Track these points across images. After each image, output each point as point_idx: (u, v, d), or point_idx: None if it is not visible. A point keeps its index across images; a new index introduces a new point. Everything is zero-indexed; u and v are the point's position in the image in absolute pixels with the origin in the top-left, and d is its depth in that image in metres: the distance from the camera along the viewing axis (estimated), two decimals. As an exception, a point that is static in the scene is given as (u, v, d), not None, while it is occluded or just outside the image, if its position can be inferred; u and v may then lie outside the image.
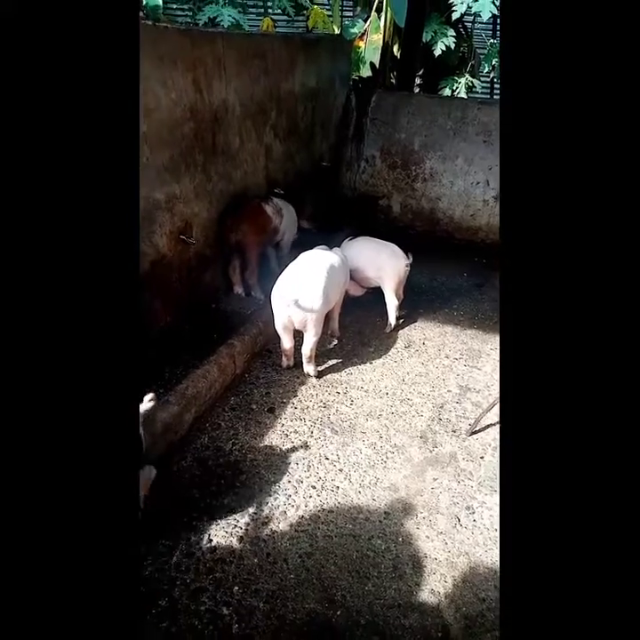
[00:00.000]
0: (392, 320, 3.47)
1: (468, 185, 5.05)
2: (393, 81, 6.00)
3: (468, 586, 1.86)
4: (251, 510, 2.08)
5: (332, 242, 3.49)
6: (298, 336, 2.89)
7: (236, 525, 2.02)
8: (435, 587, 1.85)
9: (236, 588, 1.79)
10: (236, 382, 2.84)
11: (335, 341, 3.26)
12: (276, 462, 2.33)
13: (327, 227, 4.29)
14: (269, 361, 3.06)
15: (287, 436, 2.50)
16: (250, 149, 3.42)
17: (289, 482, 2.24)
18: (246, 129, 3.31)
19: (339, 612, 1.74)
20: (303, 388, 2.87)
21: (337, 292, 2.91)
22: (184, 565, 1.85)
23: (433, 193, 5.20)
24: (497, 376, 3.07)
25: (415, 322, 3.59)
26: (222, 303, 3.36)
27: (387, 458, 2.42)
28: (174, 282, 2.85)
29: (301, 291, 2.62)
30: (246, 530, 2.00)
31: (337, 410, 2.71)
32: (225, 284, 3.43)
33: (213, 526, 2.00)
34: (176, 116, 2.57)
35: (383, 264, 3.36)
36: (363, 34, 5.89)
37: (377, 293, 3.64)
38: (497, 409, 2.75)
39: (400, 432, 2.59)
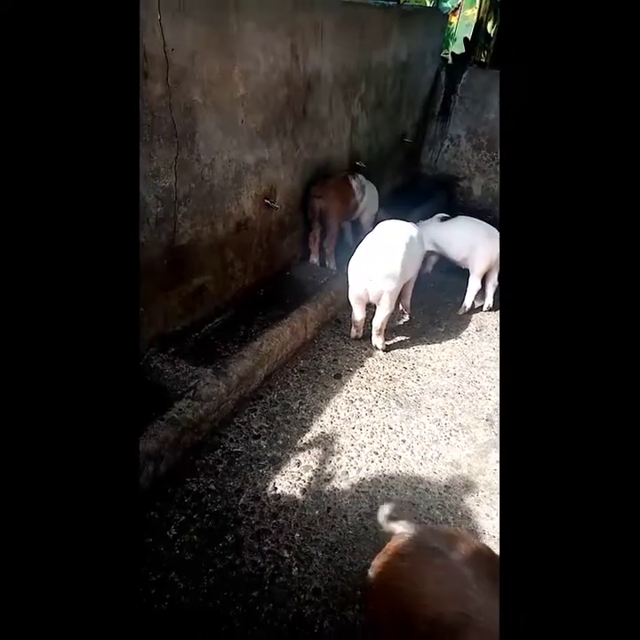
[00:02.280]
0: (468, 303, 3.43)
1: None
2: (484, 59, 5.76)
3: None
4: (314, 466, 2.16)
5: (408, 220, 3.47)
6: (369, 309, 2.92)
7: (299, 478, 2.10)
8: (491, 562, 1.85)
9: (297, 534, 1.88)
10: (306, 347, 2.91)
11: (406, 317, 3.26)
12: (341, 425, 2.40)
13: (405, 206, 4.26)
14: (338, 330, 3.11)
15: (352, 402, 2.56)
16: (337, 120, 3.43)
17: (352, 445, 2.30)
18: (336, 99, 3.32)
19: (394, 571, 1.79)
20: (370, 359, 2.90)
21: (414, 267, 2.90)
22: (250, 507, 1.96)
23: (517, 178, 5.01)
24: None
25: (490, 308, 3.51)
26: (297, 271, 3.43)
27: (450, 435, 2.42)
28: (255, 245, 2.94)
29: (380, 263, 2.63)
30: (309, 484, 2.08)
31: (402, 384, 2.73)
32: (301, 252, 3.50)
33: (278, 476, 2.10)
34: (272, 81, 2.62)
35: (477, 245, 3.31)
36: (456, 8, 5.68)
37: (455, 275, 3.60)
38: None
39: (465, 412, 2.57)
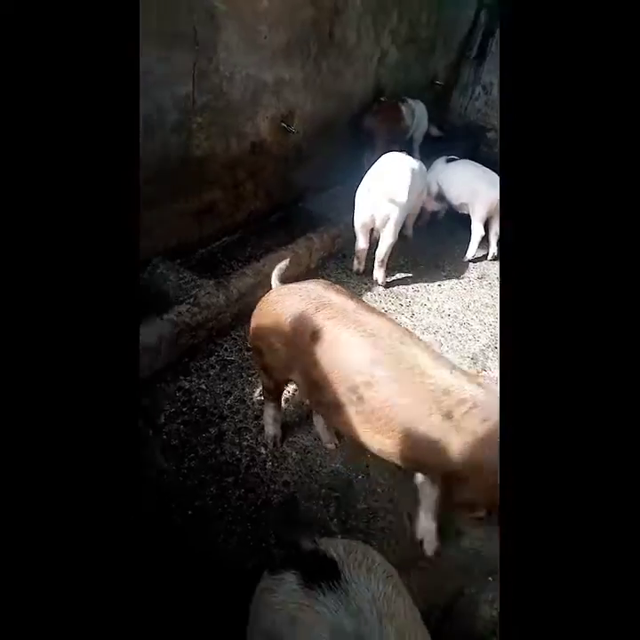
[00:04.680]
0: (471, 250, 3.45)
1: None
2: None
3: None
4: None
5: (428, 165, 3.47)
6: (371, 250, 2.95)
7: (285, 389, 2.23)
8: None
9: (276, 436, 2.03)
10: (309, 276, 2.98)
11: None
12: (331, 349, 2.51)
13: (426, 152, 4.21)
14: (342, 264, 3.17)
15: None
16: (364, 50, 3.35)
17: (339, 367, 2.41)
18: (365, 27, 3.23)
19: (360, 477, 1.94)
20: (369, 294, 2.97)
21: (417, 198, 2.95)
22: (235, 408, 2.10)
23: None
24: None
25: (494, 257, 3.52)
26: (310, 203, 3.46)
27: (434, 369, 2.52)
28: (269, 169, 2.97)
29: (388, 189, 2.68)
30: (293, 395, 2.21)
31: (396, 318, 2.81)
32: (316, 183, 3.50)
33: (265, 385, 2.23)
34: (298, -2, 2.56)
35: (479, 191, 3.30)
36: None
37: (464, 224, 3.59)
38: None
39: (452, 350, 2.66)
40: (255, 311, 1.71)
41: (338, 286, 1.68)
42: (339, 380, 1.44)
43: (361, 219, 2.80)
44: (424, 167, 3.06)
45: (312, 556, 1.03)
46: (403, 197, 2.69)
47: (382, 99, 3.84)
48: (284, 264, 1.84)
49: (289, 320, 1.54)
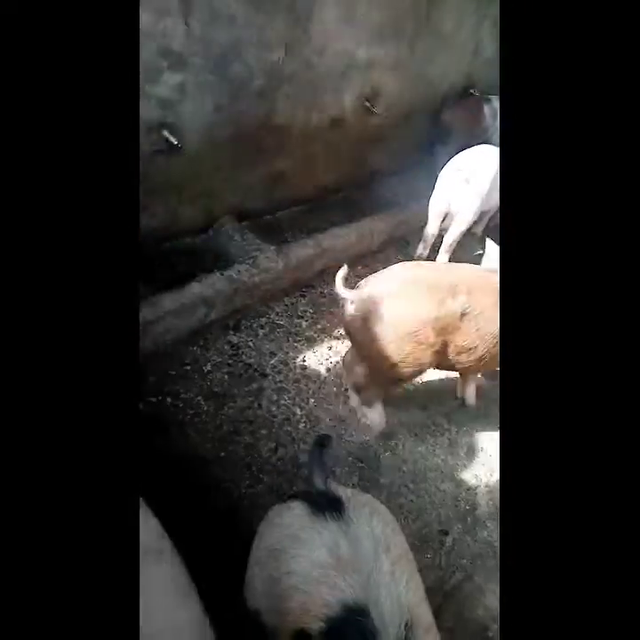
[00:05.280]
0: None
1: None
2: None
3: (511, 488, 1.97)
4: (343, 353, 2.33)
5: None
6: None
7: (328, 359, 2.29)
8: (479, 473, 1.99)
9: (313, 400, 2.09)
10: (370, 257, 3.01)
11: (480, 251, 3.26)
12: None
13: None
14: (405, 250, 3.16)
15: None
16: (461, 38, 3.28)
17: (384, 348, 2.44)
18: (465, 14, 3.16)
19: (388, 453, 1.97)
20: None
21: (497, 197, 2.89)
22: (278, 368, 2.18)
23: None
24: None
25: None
26: (382, 185, 3.46)
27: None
28: (345, 145, 2.99)
29: (475, 171, 2.70)
30: (335, 365, 2.26)
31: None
32: (389, 167, 3.49)
33: (310, 352, 2.30)
34: (401, -24, 2.55)
35: None
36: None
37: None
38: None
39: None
40: (373, 325, 1.75)
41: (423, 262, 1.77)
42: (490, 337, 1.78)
43: (437, 201, 2.79)
44: None
45: (321, 493, 1.10)
46: (484, 187, 2.70)
47: (472, 91, 3.76)
48: (344, 271, 1.86)
49: (435, 310, 1.71)
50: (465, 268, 2.03)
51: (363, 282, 1.90)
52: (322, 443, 1.28)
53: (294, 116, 2.54)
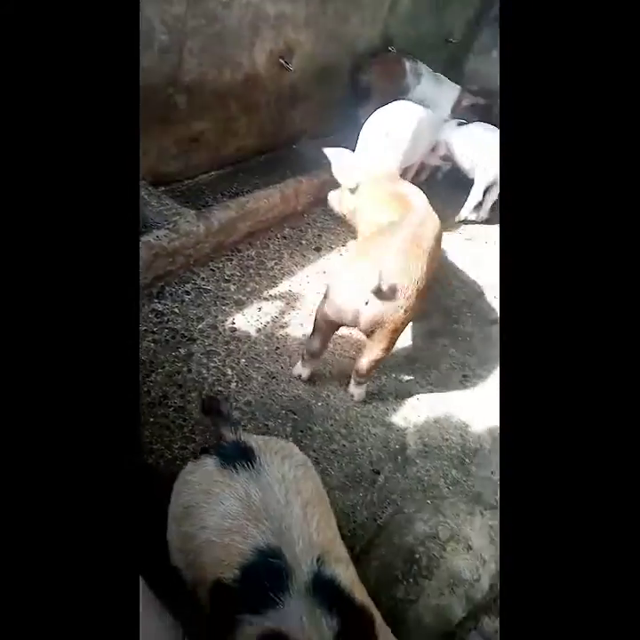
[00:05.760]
0: (465, 212, 3.45)
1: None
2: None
3: (438, 426, 2.07)
4: (273, 314, 2.34)
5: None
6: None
7: (258, 320, 2.29)
8: (408, 416, 2.07)
9: (243, 360, 2.09)
10: (295, 218, 3.00)
11: None
12: (309, 289, 2.55)
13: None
14: (331, 211, 3.17)
15: (325, 273, 2.69)
16: (375, -6, 3.27)
17: (313, 305, 2.45)
18: (376, -32, 3.15)
19: (319, 403, 2.01)
20: (353, 241, 2.99)
21: (422, 147, 2.99)
22: (206, 332, 2.16)
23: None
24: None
25: (485, 221, 3.53)
26: (303, 147, 3.43)
27: (408, 316, 2.57)
28: (262, 105, 2.94)
29: (394, 124, 2.73)
30: (265, 326, 2.27)
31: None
32: (311, 128, 3.47)
33: (239, 315, 2.28)
34: None
35: (488, 156, 3.27)
36: None
37: (462, 185, 3.55)
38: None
39: (426, 302, 2.70)
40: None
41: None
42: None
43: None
44: (435, 119, 3.07)
45: (232, 444, 1.11)
46: (405, 141, 2.75)
47: (390, 48, 3.77)
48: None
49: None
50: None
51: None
52: (209, 406, 1.30)
53: (204, 73, 2.46)
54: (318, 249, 2.85)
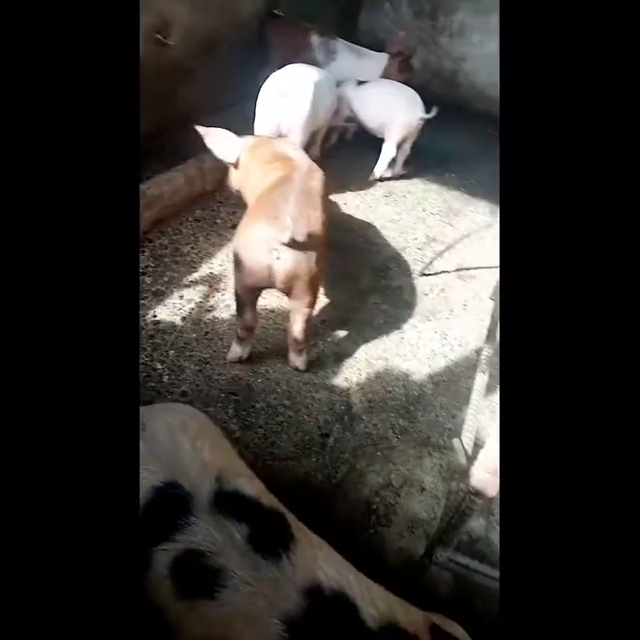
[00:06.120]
0: (379, 170, 3.43)
1: (498, 47, 4.67)
2: None
3: (379, 381, 2.09)
4: (197, 300, 2.26)
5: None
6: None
7: (181, 308, 2.20)
8: (349, 376, 2.08)
9: (172, 352, 2.01)
10: (206, 198, 2.90)
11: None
12: (230, 268, 2.47)
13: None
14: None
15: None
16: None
17: (238, 284, 2.40)
18: None
19: (259, 380, 1.97)
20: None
21: (324, 111, 2.93)
22: (128, 330, 2.05)
23: (457, 52, 4.77)
24: (472, 237, 3.11)
25: (402, 176, 3.55)
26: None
27: (334, 282, 2.55)
28: (148, 85, 2.77)
29: (292, 85, 2.66)
30: (190, 313, 2.19)
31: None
32: (207, 104, 3.33)
33: (160, 307, 2.18)
34: None
35: (397, 110, 3.23)
36: None
37: (373, 144, 3.54)
38: (452, 258, 2.86)
39: (353, 263, 2.70)
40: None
41: None
42: None
43: (263, 125, 2.72)
44: (333, 80, 3.01)
45: None
46: (306, 103, 2.68)
47: (276, 12, 3.66)
48: None
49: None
50: None
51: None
52: None
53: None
54: (235, 226, 2.76)
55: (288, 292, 1.81)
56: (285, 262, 1.70)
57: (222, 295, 2.31)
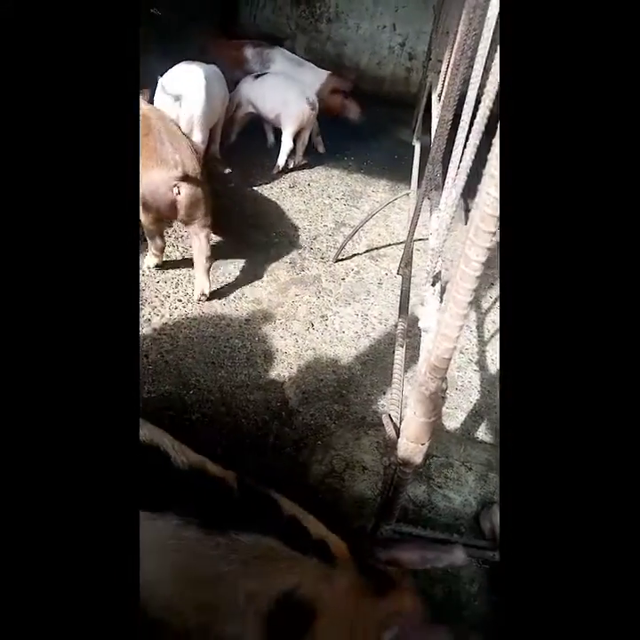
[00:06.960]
0: (281, 162, 3.45)
1: (374, 29, 4.81)
2: None
3: (310, 371, 2.15)
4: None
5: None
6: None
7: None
8: (281, 372, 2.12)
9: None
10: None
11: (228, 170, 3.28)
12: (144, 281, 2.41)
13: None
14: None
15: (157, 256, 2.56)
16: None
17: (156, 296, 2.35)
18: None
19: (191, 392, 1.96)
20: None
21: (218, 104, 2.95)
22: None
23: (338, 36, 4.90)
24: (377, 217, 3.21)
25: (303, 165, 3.59)
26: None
27: (254, 277, 2.57)
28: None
29: (183, 86, 2.67)
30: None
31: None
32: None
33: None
34: None
35: (289, 103, 3.28)
36: None
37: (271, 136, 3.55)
38: (362, 240, 2.96)
39: (271, 258, 2.73)
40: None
41: None
42: None
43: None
44: (221, 74, 3.01)
45: None
46: (199, 102, 2.71)
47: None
48: None
49: None
50: None
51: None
52: None
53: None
54: (144, 237, 2.70)
55: (189, 219, 2.19)
56: (186, 194, 2.10)
57: (140, 310, 2.26)
